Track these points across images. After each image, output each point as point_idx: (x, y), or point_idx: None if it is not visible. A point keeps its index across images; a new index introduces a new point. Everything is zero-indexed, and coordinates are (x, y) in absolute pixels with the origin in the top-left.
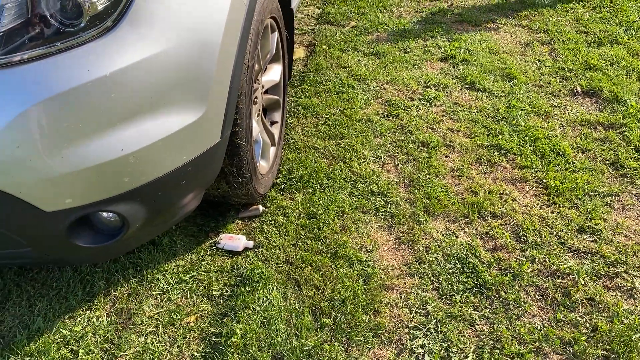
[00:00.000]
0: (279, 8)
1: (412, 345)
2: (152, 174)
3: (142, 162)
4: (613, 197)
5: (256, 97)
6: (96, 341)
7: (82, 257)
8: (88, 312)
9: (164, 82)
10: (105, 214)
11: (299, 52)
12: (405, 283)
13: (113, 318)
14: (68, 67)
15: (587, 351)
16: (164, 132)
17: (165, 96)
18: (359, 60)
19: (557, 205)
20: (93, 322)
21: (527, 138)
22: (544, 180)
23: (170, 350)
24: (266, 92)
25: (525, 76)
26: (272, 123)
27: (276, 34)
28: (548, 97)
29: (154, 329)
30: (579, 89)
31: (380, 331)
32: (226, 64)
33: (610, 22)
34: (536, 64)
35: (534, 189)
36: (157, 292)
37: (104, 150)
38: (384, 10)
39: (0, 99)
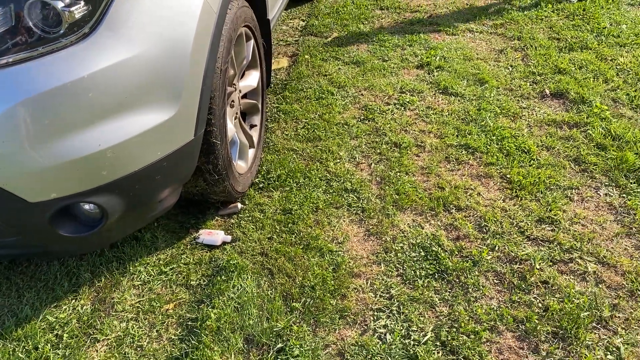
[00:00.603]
0: (253, 17)
1: (375, 325)
2: (128, 168)
3: (119, 157)
4: (573, 190)
5: (233, 101)
6: (80, 327)
7: (66, 247)
8: (73, 301)
9: (137, 83)
10: (86, 205)
11: (283, 62)
12: (372, 270)
13: (97, 306)
14: (49, 69)
15: (538, 328)
16: (138, 129)
17: (138, 96)
18: (339, 68)
19: (519, 199)
20: (78, 309)
21: (494, 137)
22: (508, 176)
23: (150, 334)
24: (244, 96)
25: (497, 80)
26: (252, 126)
27: (252, 41)
28: (517, 100)
29: (134, 316)
30: (547, 91)
31: (346, 313)
32: (198, 67)
33: (582, 29)
34: (508, 69)
35: (498, 184)
36: (139, 282)
37: (83, 145)
38: (365, 22)
39: None
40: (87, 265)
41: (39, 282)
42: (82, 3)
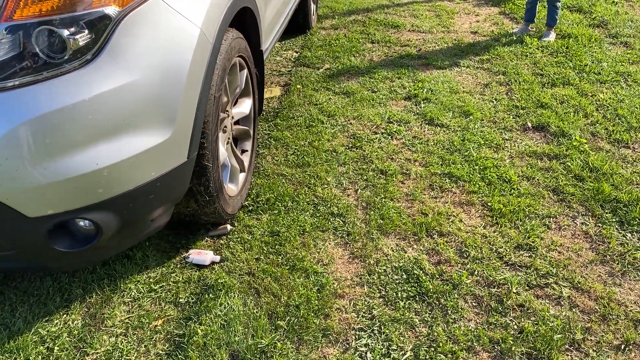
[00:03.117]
0: (247, 48)
1: (356, 344)
2: (123, 186)
3: (115, 176)
4: (551, 219)
5: (225, 126)
6: (70, 340)
7: (61, 262)
8: (65, 315)
9: (134, 107)
10: (81, 222)
11: (275, 91)
12: (355, 291)
13: (87, 321)
14: (52, 92)
15: (513, 349)
16: (134, 150)
17: (135, 119)
18: (330, 98)
19: (499, 226)
20: (69, 324)
21: (477, 167)
22: (489, 204)
23: (138, 349)
24: (237, 122)
25: (481, 113)
26: (243, 151)
27: (245, 71)
28: (501, 132)
29: (124, 331)
30: (529, 124)
31: (329, 332)
32: (192, 94)
33: (565, 66)
34: (493, 102)
35: (479, 211)
36: (129, 299)
37: (82, 164)
38: (357, 55)
39: None
40: (79, 281)
41: (32, 297)
42: (86, 32)
